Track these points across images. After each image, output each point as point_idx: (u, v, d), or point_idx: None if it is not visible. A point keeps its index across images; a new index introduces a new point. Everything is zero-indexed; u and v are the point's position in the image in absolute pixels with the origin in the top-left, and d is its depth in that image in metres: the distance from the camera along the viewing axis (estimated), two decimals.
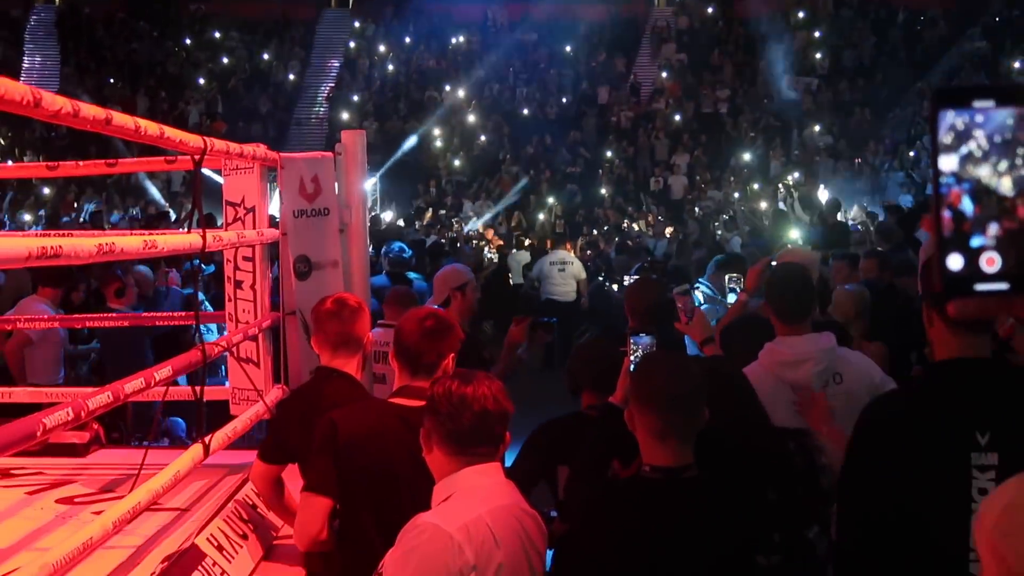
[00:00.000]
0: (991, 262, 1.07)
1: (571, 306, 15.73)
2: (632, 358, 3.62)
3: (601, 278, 17.56)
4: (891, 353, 6.33)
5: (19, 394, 6.06)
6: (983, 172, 1.08)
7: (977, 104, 1.09)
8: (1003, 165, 1.08)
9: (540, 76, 33.84)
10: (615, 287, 16.04)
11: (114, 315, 7.46)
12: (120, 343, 8.56)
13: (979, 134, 1.08)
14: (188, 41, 35.74)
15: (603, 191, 26.85)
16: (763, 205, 19.53)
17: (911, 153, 25.42)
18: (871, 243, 11.84)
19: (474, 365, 4.17)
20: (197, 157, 4.13)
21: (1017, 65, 28.75)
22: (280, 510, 4.24)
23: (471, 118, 30.99)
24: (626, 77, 33.78)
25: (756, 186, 24.30)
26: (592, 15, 37.06)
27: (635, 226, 22.44)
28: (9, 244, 2.65)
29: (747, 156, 27.34)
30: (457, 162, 29.08)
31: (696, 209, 22.03)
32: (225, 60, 35.00)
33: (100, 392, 3.23)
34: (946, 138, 1.09)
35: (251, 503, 4.44)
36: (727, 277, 6.73)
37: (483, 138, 30.24)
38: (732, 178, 26.43)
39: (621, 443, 3.35)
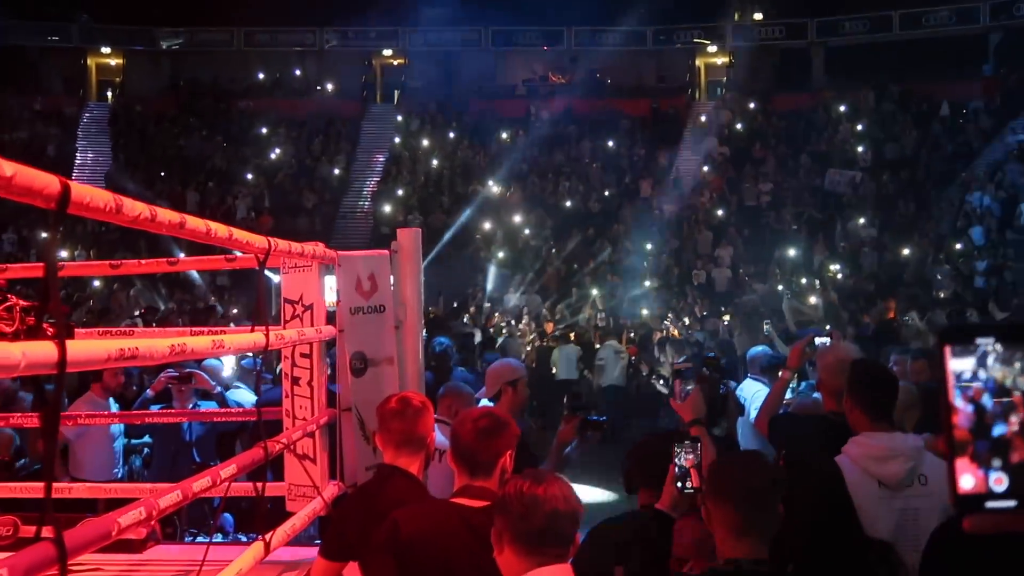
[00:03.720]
0: (999, 481, 1.13)
1: (624, 390, 18.19)
2: (677, 465, 3.63)
3: (645, 373, 17.63)
4: None
5: (79, 490, 6.10)
6: (999, 373, 1.15)
7: (980, 341, 1.16)
8: (1018, 367, 1.15)
9: (583, 170, 34.16)
10: (660, 381, 16.02)
11: (172, 411, 7.50)
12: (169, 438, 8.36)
13: (991, 349, 1.16)
14: (236, 137, 36.48)
15: (647, 284, 26.82)
16: (812, 300, 19.34)
17: (957, 245, 25.28)
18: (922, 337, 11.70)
19: (523, 462, 4.17)
20: (261, 257, 4.22)
21: None
22: None
23: (514, 211, 31.25)
24: (668, 171, 34.01)
25: (804, 280, 24.16)
26: (634, 109, 37.59)
27: (684, 320, 22.35)
28: (90, 347, 2.70)
29: (791, 250, 27.25)
30: (501, 254, 29.24)
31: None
32: (272, 156, 35.69)
33: (170, 491, 3.26)
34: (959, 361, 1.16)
35: None
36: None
37: (527, 231, 30.45)
38: (777, 271, 26.37)
39: (670, 552, 3.36)
